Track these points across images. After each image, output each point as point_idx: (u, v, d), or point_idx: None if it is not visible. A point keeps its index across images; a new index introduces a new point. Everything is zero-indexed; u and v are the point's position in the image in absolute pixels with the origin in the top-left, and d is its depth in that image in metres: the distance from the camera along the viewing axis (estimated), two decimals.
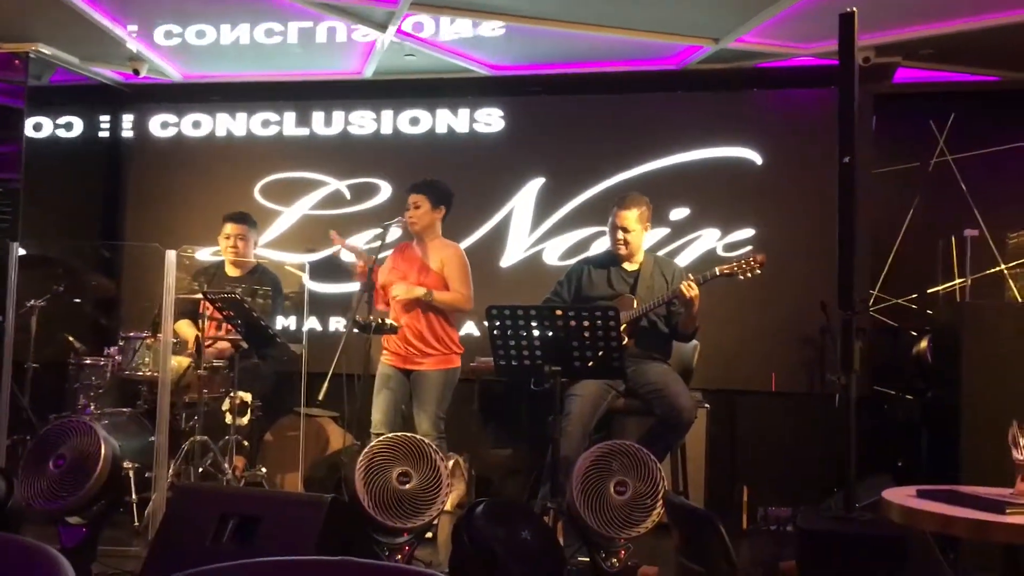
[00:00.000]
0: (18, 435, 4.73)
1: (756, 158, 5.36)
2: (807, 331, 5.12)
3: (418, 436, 3.60)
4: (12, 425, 4.50)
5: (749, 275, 4.15)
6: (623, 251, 4.36)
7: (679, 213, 5.38)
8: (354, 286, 4.77)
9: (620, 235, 4.33)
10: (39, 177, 5.72)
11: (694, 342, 4.56)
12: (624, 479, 3.35)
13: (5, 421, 4.37)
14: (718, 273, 4.15)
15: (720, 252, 5.31)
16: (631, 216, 4.33)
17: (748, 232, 5.31)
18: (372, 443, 3.55)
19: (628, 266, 4.42)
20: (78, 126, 6.27)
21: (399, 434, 3.59)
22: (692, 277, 4.14)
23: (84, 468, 3.51)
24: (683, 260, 5.26)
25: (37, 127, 6.21)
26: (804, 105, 5.33)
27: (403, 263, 4.67)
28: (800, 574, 2.82)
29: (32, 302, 4.93)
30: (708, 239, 5.36)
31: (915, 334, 4.99)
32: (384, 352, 4.60)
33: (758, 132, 5.37)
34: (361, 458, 3.45)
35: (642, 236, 4.40)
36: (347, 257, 4.95)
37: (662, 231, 5.34)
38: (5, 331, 4.49)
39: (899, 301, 5.44)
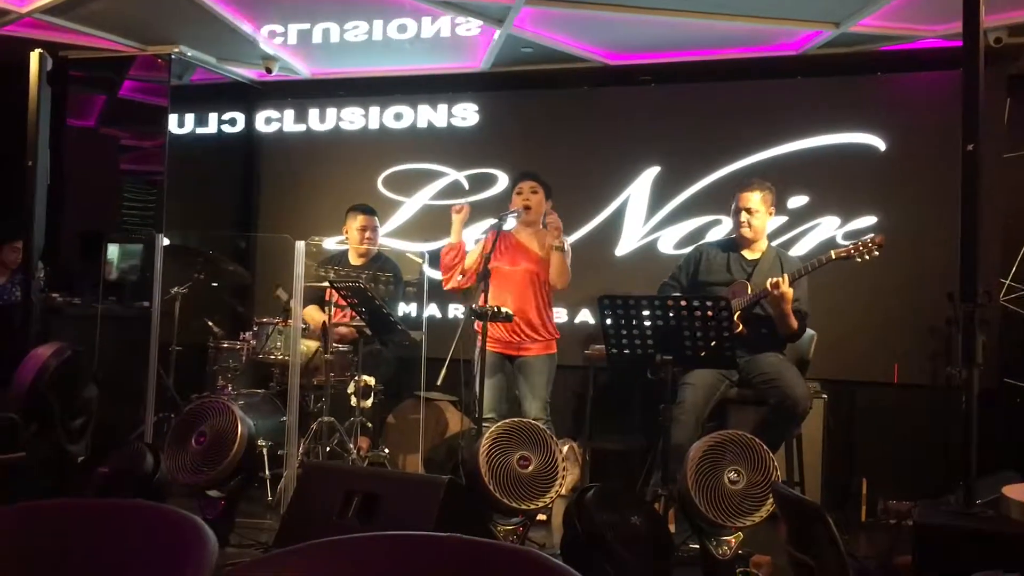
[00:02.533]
0: (163, 413, 4.96)
1: (879, 144, 5.20)
2: (933, 322, 4.93)
3: (535, 422, 3.71)
4: (158, 404, 4.74)
5: (867, 257, 4.04)
6: (747, 234, 4.31)
7: (797, 201, 5.29)
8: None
9: (744, 217, 4.28)
10: (180, 171, 6.00)
11: (811, 332, 4.49)
12: (738, 468, 3.33)
13: (152, 400, 4.63)
14: (833, 257, 4.07)
15: (840, 240, 5.17)
16: (755, 197, 4.29)
17: (870, 220, 5.17)
18: (492, 428, 3.66)
19: (749, 254, 4.37)
20: (215, 122, 6.56)
21: (518, 419, 3.71)
22: (789, 274, 4.05)
23: (223, 445, 3.73)
24: (801, 249, 5.18)
25: (179, 124, 6.49)
26: (930, 89, 5.13)
27: (506, 252, 4.71)
28: (915, 569, 2.77)
29: (175, 289, 5.15)
30: (827, 227, 5.24)
31: None
32: (490, 340, 4.61)
33: (881, 117, 5.21)
34: (483, 440, 3.56)
35: (766, 220, 4.34)
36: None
37: (780, 219, 5.23)
38: (152, 316, 4.74)
39: None
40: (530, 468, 3.52)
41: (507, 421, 3.66)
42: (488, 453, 3.51)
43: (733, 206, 4.36)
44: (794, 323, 4.14)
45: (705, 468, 3.34)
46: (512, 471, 3.50)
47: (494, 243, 4.45)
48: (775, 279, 4.04)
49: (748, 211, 4.28)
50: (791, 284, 4.06)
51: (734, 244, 4.42)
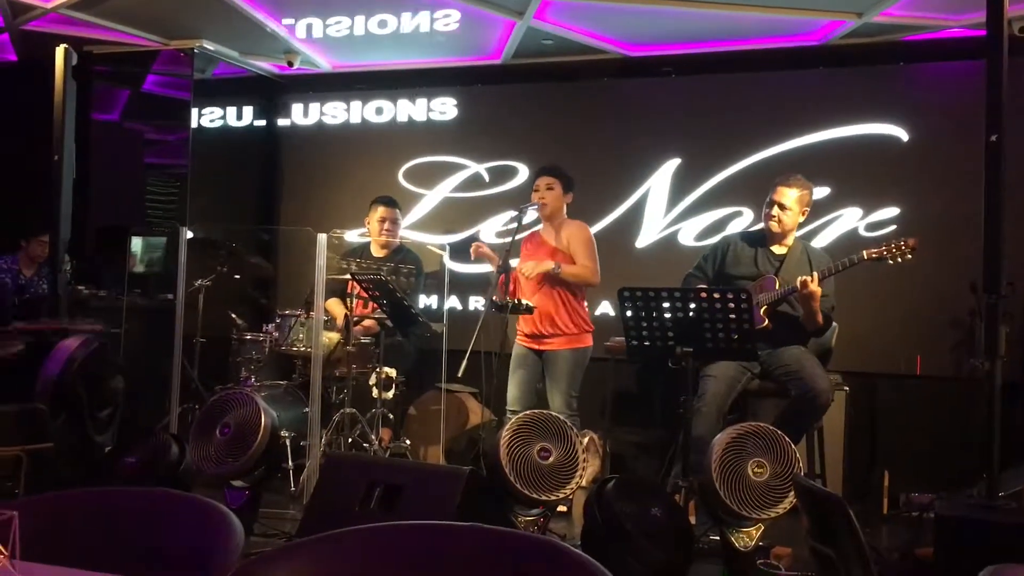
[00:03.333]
0: (188, 404, 5.02)
1: (902, 134, 5.15)
2: (956, 313, 4.91)
3: (555, 414, 3.70)
4: (182, 395, 4.79)
5: (899, 260, 3.98)
6: (775, 228, 4.24)
7: (819, 192, 5.09)
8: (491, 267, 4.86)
9: (775, 211, 4.22)
10: (204, 164, 6.07)
11: (833, 324, 4.46)
12: (761, 460, 3.33)
13: (177, 391, 4.68)
14: (865, 257, 4.00)
15: (862, 232, 5.16)
16: (792, 195, 4.22)
17: (892, 211, 5.13)
18: (513, 419, 3.65)
19: (777, 249, 4.32)
20: (237, 116, 6.60)
21: (538, 411, 3.69)
22: (818, 272, 4.00)
23: (246, 436, 3.77)
24: (823, 240, 5.15)
25: (202, 117, 6.56)
26: (954, 79, 5.08)
27: (532, 248, 4.77)
28: (937, 562, 2.75)
29: (199, 282, 5.19)
30: (849, 219, 5.21)
31: None
32: (519, 333, 4.70)
33: (904, 108, 5.16)
34: (504, 432, 3.56)
35: (797, 219, 4.28)
36: (485, 265, 4.98)
37: None
38: (176, 308, 4.79)
39: None
40: (550, 459, 3.52)
41: (528, 413, 3.67)
42: (509, 444, 3.52)
43: (768, 198, 4.29)
44: (821, 320, 4.10)
45: (729, 459, 3.34)
46: (532, 462, 3.50)
47: (513, 237, 4.43)
48: (804, 278, 3.98)
49: (781, 206, 4.21)
50: (819, 282, 4.00)
51: (761, 238, 4.37)
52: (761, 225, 4.43)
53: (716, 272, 4.38)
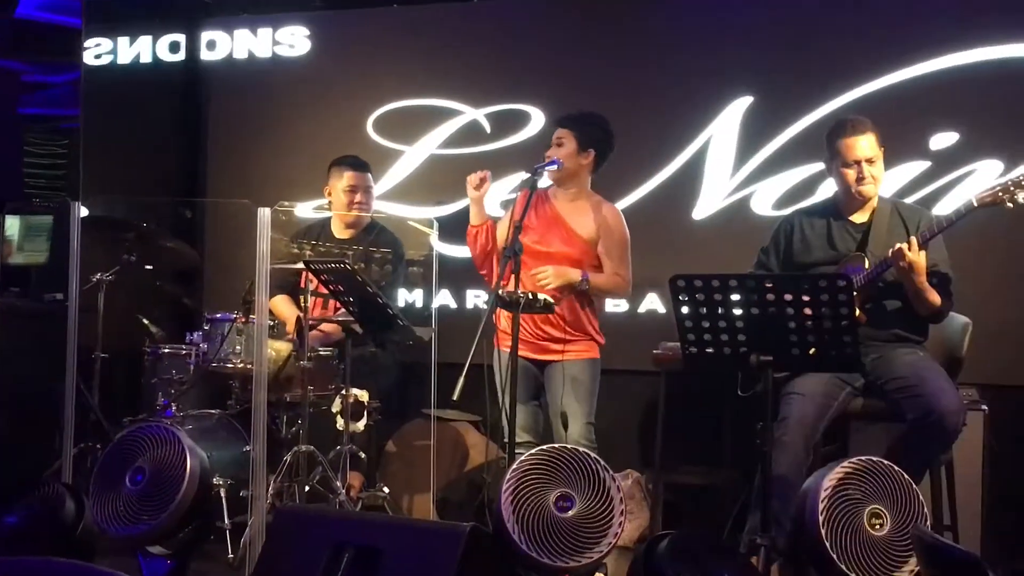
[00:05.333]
0: (86, 443, 4.96)
1: None
2: None
3: (580, 449, 3.64)
4: (79, 431, 4.67)
5: (1020, 200, 3.99)
6: (869, 190, 4.31)
7: (943, 140, 5.21)
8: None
9: (864, 170, 4.26)
10: (102, 116, 6.06)
11: (963, 319, 4.47)
12: (879, 508, 3.33)
13: (72, 425, 4.55)
14: (975, 204, 4.03)
15: None
16: (867, 143, 4.26)
17: None
18: (522, 456, 3.61)
19: (857, 217, 4.38)
20: (147, 50, 6.55)
21: (557, 446, 3.65)
22: (917, 236, 4.02)
23: (167, 485, 3.72)
24: (950, 205, 5.04)
25: (98, 52, 6.51)
26: None
27: (539, 222, 4.74)
28: None
29: (98, 276, 5.14)
30: (986, 174, 5.16)
31: None
32: (502, 334, 4.65)
33: None
34: (508, 476, 3.52)
35: (883, 166, 4.34)
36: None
37: (919, 165, 5.21)
38: (69, 313, 4.64)
39: None
40: (573, 511, 3.47)
41: (541, 449, 3.63)
42: (515, 492, 3.48)
43: (836, 161, 4.34)
44: (934, 297, 4.10)
45: (839, 507, 3.33)
46: (548, 515, 3.45)
47: (526, 207, 4.37)
48: (900, 245, 4.00)
49: (868, 161, 4.26)
50: (922, 246, 4.03)
51: (831, 208, 4.45)
52: (839, 194, 4.44)
53: (783, 263, 4.45)
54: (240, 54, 6.38)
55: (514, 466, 3.58)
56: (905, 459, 3.67)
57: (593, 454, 3.62)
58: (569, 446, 3.69)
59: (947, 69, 5.24)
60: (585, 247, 4.68)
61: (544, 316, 4.55)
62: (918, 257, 3.98)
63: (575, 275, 4.59)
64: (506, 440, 4.18)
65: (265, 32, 6.32)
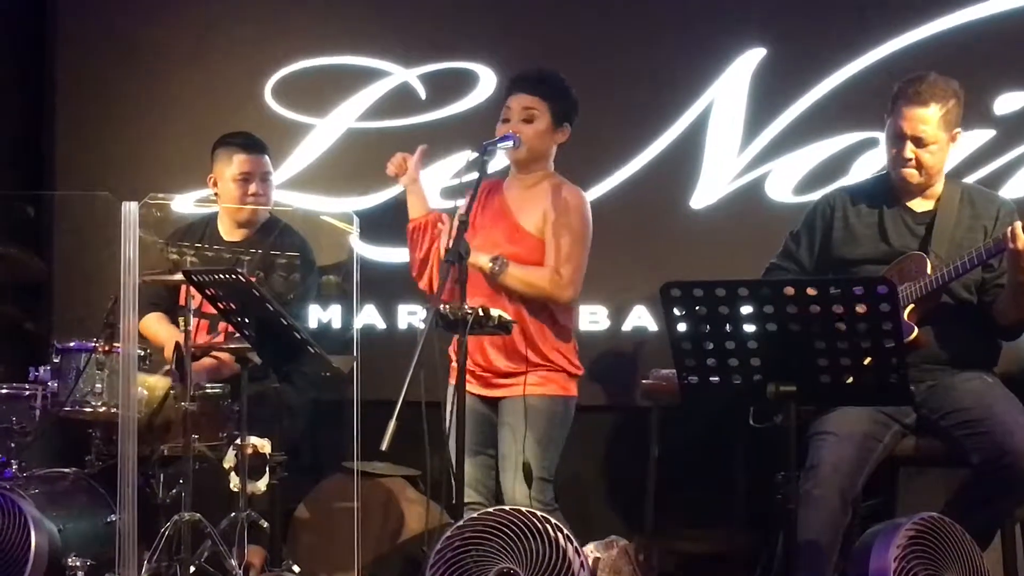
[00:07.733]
0: None
1: None
2: None
3: (528, 510, 3.73)
4: None
5: None
6: (912, 178, 4.28)
7: (1009, 103, 5.18)
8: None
9: (908, 151, 4.23)
10: None
11: None
12: None
13: None
14: None
15: None
16: (931, 117, 4.19)
17: None
18: (457, 523, 3.73)
19: (918, 204, 4.36)
20: None
21: (498, 509, 3.78)
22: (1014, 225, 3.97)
23: (5, 570, 3.96)
24: (1018, 187, 5.12)
25: None
26: None
27: (486, 216, 4.71)
28: None
29: None
30: None
31: None
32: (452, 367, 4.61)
33: None
34: (437, 547, 3.67)
35: (946, 152, 4.29)
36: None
37: (981, 134, 5.14)
38: None
39: None
40: None
41: (481, 514, 3.74)
42: (445, 569, 3.59)
43: (889, 129, 4.26)
44: None
45: None
46: None
47: (472, 198, 4.43)
48: (1015, 225, 3.91)
49: (917, 140, 4.19)
50: None
51: (887, 190, 4.39)
52: (887, 172, 4.42)
53: (819, 257, 4.47)
54: (98, 7, 6.30)
55: (446, 534, 3.69)
56: (969, 515, 3.90)
57: (552, 517, 3.74)
58: (514, 508, 3.82)
59: (1010, 10, 5.26)
60: (534, 243, 4.62)
61: (499, 338, 4.46)
62: None
63: (482, 259, 4.50)
64: (453, 501, 4.17)
65: None
